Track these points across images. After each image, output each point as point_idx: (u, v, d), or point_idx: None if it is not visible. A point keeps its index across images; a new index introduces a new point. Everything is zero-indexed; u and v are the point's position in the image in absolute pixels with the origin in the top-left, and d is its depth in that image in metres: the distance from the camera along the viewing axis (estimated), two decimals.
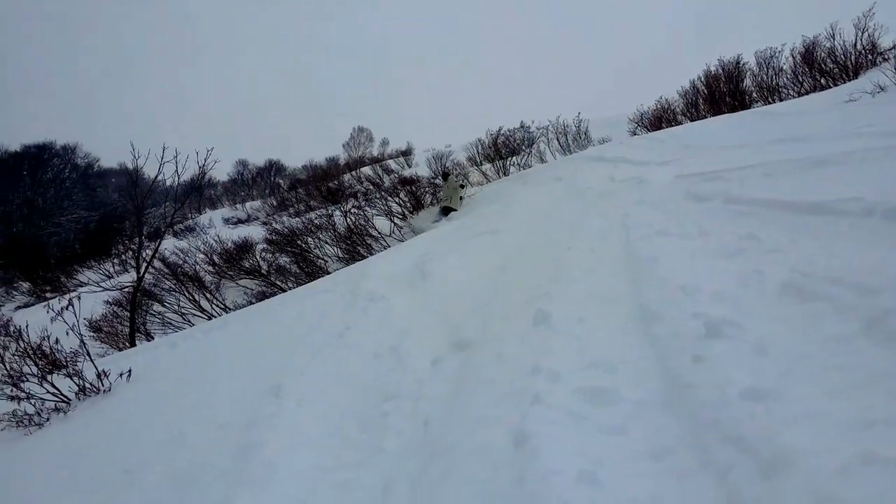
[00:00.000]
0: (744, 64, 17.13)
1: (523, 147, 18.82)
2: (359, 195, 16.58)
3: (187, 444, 3.99)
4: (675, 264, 4.04)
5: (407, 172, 25.25)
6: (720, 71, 17.55)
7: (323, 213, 15.29)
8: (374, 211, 13.46)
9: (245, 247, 14.17)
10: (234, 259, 13.75)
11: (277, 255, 13.62)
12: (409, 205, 13.18)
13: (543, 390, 2.87)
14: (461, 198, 12.95)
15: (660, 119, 19.15)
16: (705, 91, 17.93)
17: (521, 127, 20.65)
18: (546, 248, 5.81)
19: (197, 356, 6.10)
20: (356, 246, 12.72)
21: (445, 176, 14.29)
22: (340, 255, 12.80)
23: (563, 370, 3.06)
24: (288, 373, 4.46)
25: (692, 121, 16.89)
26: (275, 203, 27.29)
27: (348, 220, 13.41)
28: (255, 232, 17.38)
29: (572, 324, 3.67)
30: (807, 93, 15.00)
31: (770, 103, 15.59)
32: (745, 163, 6.43)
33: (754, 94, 17.01)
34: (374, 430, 3.41)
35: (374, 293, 5.94)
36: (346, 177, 29.47)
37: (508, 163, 17.66)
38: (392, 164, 33.45)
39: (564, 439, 2.46)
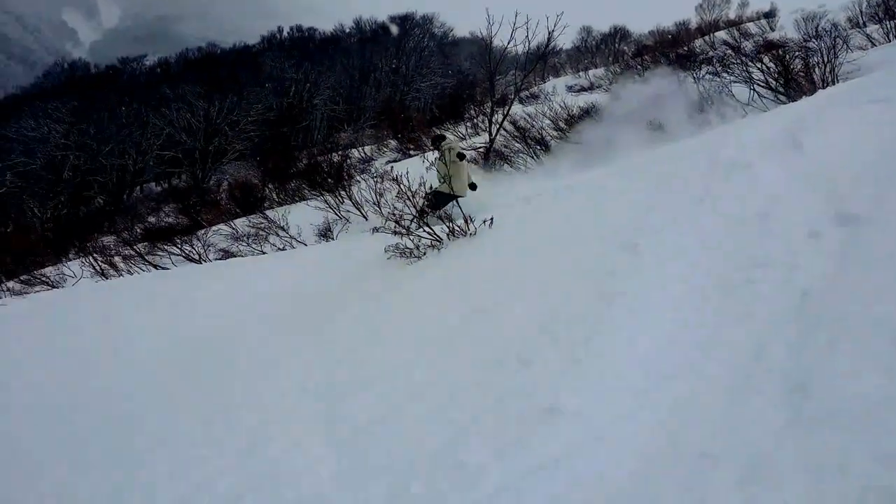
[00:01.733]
0: None
1: None
2: (714, 61, 15.30)
3: (547, 289, 4.28)
4: None
5: (771, 36, 22.62)
6: None
7: (673, 80, 14.52)
8: (731, 77, 12.39)
9: (589, 112, 14.21)
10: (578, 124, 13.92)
11: (623, 120, 13.43)
12: (773, 72, 11.81)
13: None
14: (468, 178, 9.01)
15: None
16: None
17: None
18: None
19: (549, 212, 6.40)
20: (705, 113, 11.98)
21: (437, 141, 9.51)
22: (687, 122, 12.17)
23: None
24: (645, 232, 4.48)
25: None
26: (618, 70, 26.65)
27: (700, 87, 12.58)
28: (598, 99, 17.25)
29: None
30: None
31: None
32: None
33: None
34: (739, 295, 3.30)
35: (736, 160, 5.56)
36: (698, 42, 27.43)
37: None
38: (751, 27, 30.16)
39: None
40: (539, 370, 3.35)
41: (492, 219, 6.15)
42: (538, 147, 13.23)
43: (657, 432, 2.56)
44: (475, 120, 22.48)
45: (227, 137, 41.86)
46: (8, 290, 13.77)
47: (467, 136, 19.43)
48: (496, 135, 13.64)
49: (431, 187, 8.43)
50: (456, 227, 6.23)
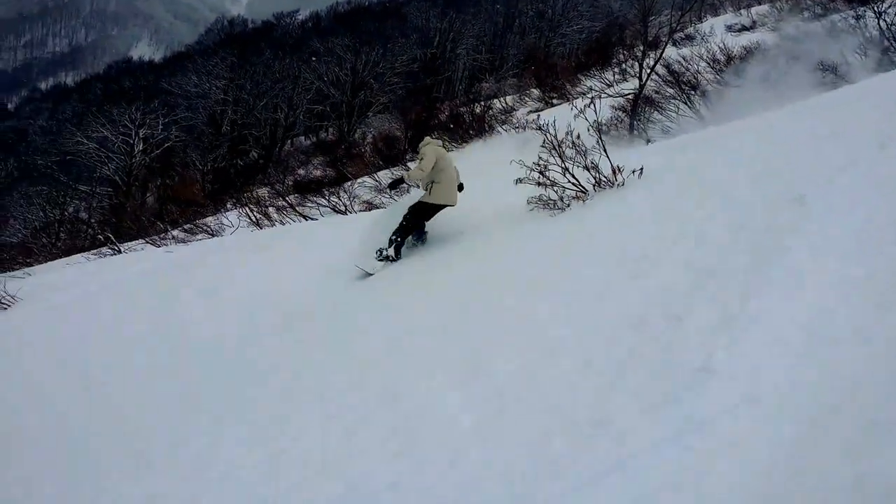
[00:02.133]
0: None
1: None
2: None
3: (700, 242, 4.02)
4: None
5: None
6: None
7: (849, 14, 13.13)
8: None
9: (752, 53, 13.16)
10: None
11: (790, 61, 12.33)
12: None
13: None
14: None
15: None
16: None
17: None
18: None
19: (704, 161, 5.96)
20: (888, 53, 10.72)
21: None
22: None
23: None
24: (814, 182, 4.07)
25: None
26: (786, 6, 24.43)
27: (882, 21, 11.28)
28: (762, 39, 15.92)
29: None
30: None
31: None
32: None
33: None
34: None
35: None
36: None
37: None
38: None
39: None
40: (690, 327, 3.15)
41: (641, 168, 5.81)
42: (693, 92, 12.42)
43: (820, 397, 2.32)
44: (623, 65, 21.50)
45: (372, 90, 42.75)
46: (172, 237, 14.82)
47: (615, 83, 18.64)
48: (646, 80, 12.96)
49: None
50: (602, 178, 5.95)
